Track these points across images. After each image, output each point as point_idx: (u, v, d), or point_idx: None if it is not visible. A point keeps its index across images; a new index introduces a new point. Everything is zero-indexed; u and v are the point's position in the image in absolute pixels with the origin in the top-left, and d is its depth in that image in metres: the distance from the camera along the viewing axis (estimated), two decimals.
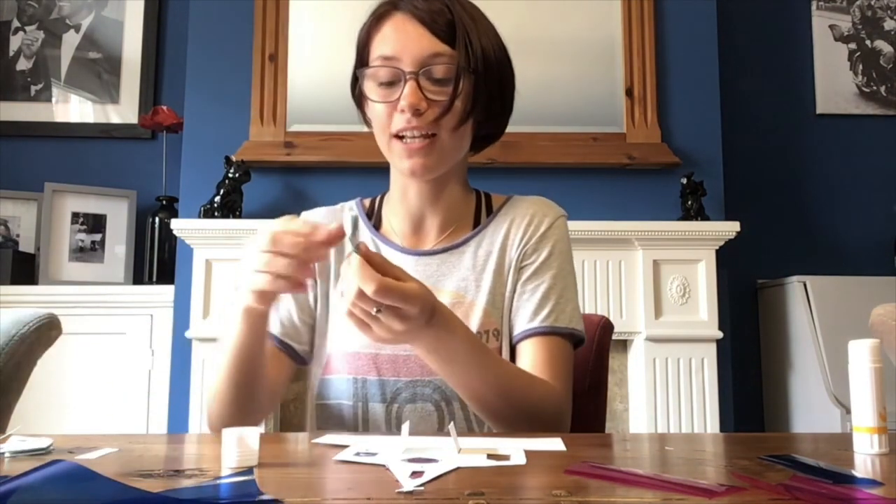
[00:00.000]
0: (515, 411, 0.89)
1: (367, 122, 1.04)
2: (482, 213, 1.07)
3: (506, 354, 1.00)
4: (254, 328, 0.86)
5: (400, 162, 0.97)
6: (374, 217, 1.08)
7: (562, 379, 0.96)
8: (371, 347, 0.98)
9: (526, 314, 0.99)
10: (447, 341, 0.83)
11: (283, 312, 1.02)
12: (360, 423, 0.98)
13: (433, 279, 1.01)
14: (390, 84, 0.95)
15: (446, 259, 1.02)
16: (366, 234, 1.06)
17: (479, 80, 0.95)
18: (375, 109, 0.97)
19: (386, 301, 0.73)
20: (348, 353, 0.99)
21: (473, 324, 0.98)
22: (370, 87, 0.97)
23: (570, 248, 1.05)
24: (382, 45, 0.96)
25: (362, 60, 1.00)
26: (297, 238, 0.77)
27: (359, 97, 1.03)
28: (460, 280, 1.01)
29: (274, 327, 1.00)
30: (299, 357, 1.03)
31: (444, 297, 0.98)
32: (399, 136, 0.95)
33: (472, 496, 0.49)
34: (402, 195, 1.04)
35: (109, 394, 2.37)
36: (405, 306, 0.74)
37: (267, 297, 0.82)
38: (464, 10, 0.97)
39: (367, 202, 1.11)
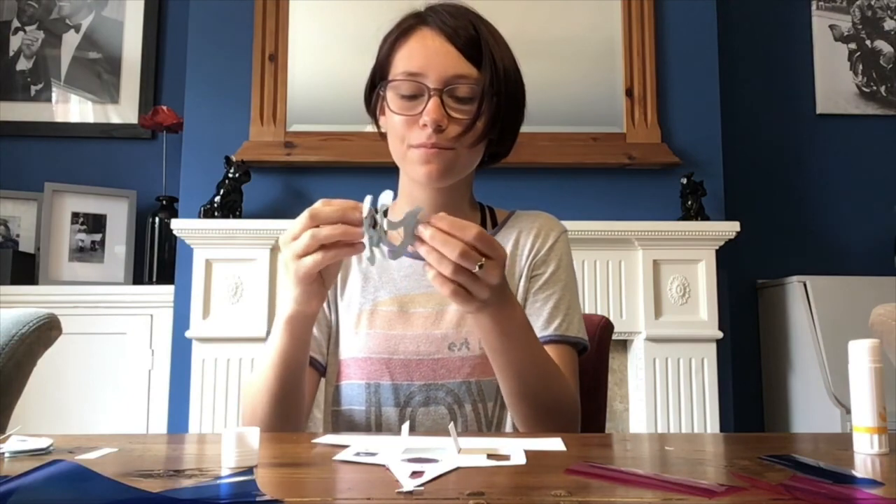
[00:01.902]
0: (547, 398, 0.91)
1: (379, 129, 1.06)
2: (487, 225, 1.09)
3: None
4: (297, 334, 0.85)
5: (415, 168, 0.97)
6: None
7: (574, 383, 0.99)
8: (384, 353, 0.99)
9: (539, 322, 1.01)
10: (511, 313, 0.84)
11: None
12: (373, 427, 0.99)
13: None
14: (412, 97, 0.96)
15: None
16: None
17: (500, 102, 0.97)
18: (394, 120, 0.98)
19: (482, 246, 0.74)
20: (360, 359, 1.00)
21: None
22: (391, 98, 0.97)
23: (572, 262, 1.09)
24: (408, 59, 0.97)
25: (384, 72, 1.00)
26: (333, 206, 0.76)
27: (375, 105, 1.03)
28: None
29: None
30: (322, 367, 1.04)
31: None
32: (415, 146, 0.96)
33: (472, 496, 0.49)
34: (412, 204, 1.04)
35: (109, 394, 2.37)
36: (496, 254, 0.76)
37: (317, 281, 0.80)
38: (488, 31, 0.99)
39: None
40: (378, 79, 1.02)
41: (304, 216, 0.77)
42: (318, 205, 0.78)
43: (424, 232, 0.75)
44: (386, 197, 0.76)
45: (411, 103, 0.96)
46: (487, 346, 0.87)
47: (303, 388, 0.92)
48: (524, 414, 0.91)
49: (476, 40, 0.96)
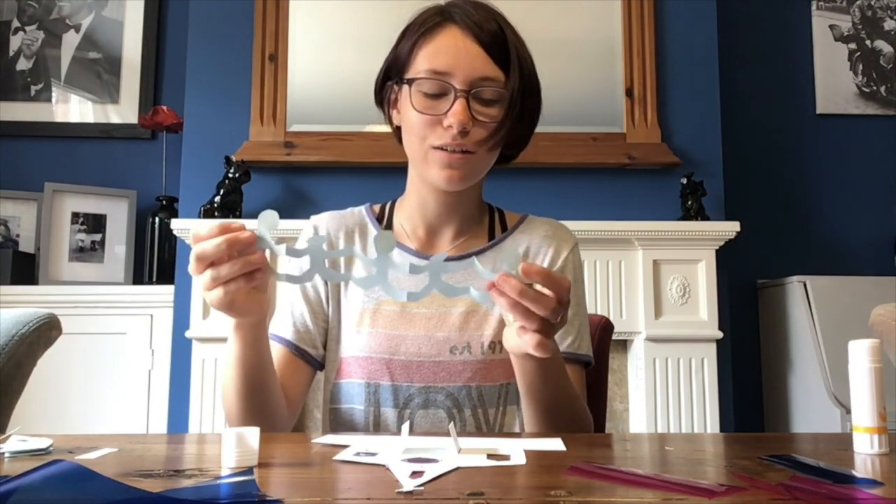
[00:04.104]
0: (570, 422, 0.92)
1: (391, 123, 1.04)
2: (496, 227, 1.08)
3: None
4: (249, 339, 0.84)
5: (436, 171, 0.96)
6: (384, 222, 1.08)
7: (584, 399, 1.01)
8: (385, 352, 0.98)
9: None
10: (556, 351, 0.85)
11: (298, 317, 1.02)
12: (371, 428, 0.98)
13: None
14: (437, 97, 0.94)
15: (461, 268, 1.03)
16: None
17: (524, 106, 0.97)
18: (415, 119, 0.95)
19: (566, 296, 0.74)
20: (361, 358, 0.99)
21: (487, 333, 0.99)
22: (415, 95, 0.95)
23: (584, 274, 1.11)
24: (434, 57, 0.94)
25: (403, 67, 0.98)
26: (216, 242, 0.72)
27: (387, 99, 1.02)
28: (476, 289, 1.01)
29: (288, 332, 1.01)
30: (316, 362, 1.03)
31: (460, 305, 1.00)
32: (438, 147, 0.95)
33: (472, 496, 0.49)
34: (421, 202, 1.04)
35: (109, 394, 2.37)
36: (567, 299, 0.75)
37: (237, 305, 0.77)
38: (511, 32, 0.98)
39: (376, 208, 1.10)
40: (394, 73, 0.99)
41: (192, 256, 0.73)
42: (194, 243, 0.73)
43: (507, 285, 0.71)
44: (269, 218, 0.72)
45: (435, 103, 0.94)
46: (525, 382, 0.87)
47: (271, 387, 0.91)
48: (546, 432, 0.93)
49: (502, 40, 0.95)
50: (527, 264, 0.72)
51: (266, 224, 0.72)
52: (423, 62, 0.95)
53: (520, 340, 0.76)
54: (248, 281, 0.74)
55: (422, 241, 1.05)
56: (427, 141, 0.95)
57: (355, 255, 0.76)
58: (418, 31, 0.97)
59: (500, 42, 0.95)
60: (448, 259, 1.02)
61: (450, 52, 0.94)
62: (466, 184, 0.98)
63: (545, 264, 1.04)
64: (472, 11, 0.96)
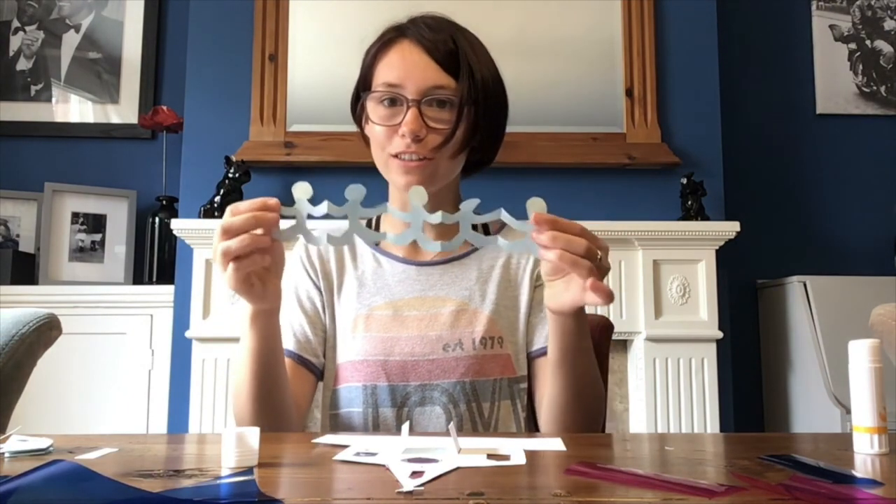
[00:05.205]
0: (597, 401, 0.96)
1: (364, 139, 1.08)
2: (478, 232, 1.09)
3: (522, 362, 1.04)
4: (264, 330, 0.86)
5: (397, 179, 1.00)
6: None
7: None
8: (380, 354, 1.00)
9: (546, 331, 1.02)
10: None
11: (297, 328, 1.04)
12: (370, 429, 1.00)
13: (436, 288, 1.04)
14: (392, 107, 0.98)
15: (448, 270, 1.06)
16: (366, 249, 1.08)
17: (478, 111, 0.99)
18: (375, 130, 1.00)
19: (589, 236, 0.77)
20: (357, 362, 1.01)
21: (478, 329, 1.01)
22: (372, 108, 1.00)
23: None
24: (388, 71, 0.99)
25: (366, 83, 1.03)
26: (244, 217, 0.75)
27: (359, 116, 1.06)
28: (464, 290, 1.04)
29: (290, 343, 1.02)
30: (318, 371, 1.04)
31: (450, 305, 1.02)
32: (396, 156, 0.99)
33: (472, 496, 0.49)
34: (402, 210, 1.05)
35: (109, 394, 2.37)
36: (601, 240, 0.78)
37: (256, 288, 0.79)
38: (467, 42, 1.01)
39: (362, 221, 1.12)
40: (361, 89, 1.04)
41: (218, 230, 0.76)
42: (228, 215, 0.76)
43: (540, 236, 0.75)
44: (302, 189, 0.75)
45: (391, 114, 0.98)
46: (563, 346, 0.88)
47: (284, 385, 0.92)
48: (575, 418, 0.94)
49: (454, 52, 0.98)
50: (538, 213, 0.76)
51: (302, 194, 0.75)
52: (379, 76, 1.00)
53: (573, 294, 0.78)
54: (250, 263, 0.76)
55: (407, 249, 1.08)
56: (386, 150, 1.00)
57: (390, 212, 0.81)
58: (376, 46, 1.02)
59: (452, 52, 0.99)
60: (435, 263, 1.06)
61: (401, 64, 0.99)
62: (428, 189, 1.00)
63: (528, 268, 1.07)
64: (425, 28, 1.00)
